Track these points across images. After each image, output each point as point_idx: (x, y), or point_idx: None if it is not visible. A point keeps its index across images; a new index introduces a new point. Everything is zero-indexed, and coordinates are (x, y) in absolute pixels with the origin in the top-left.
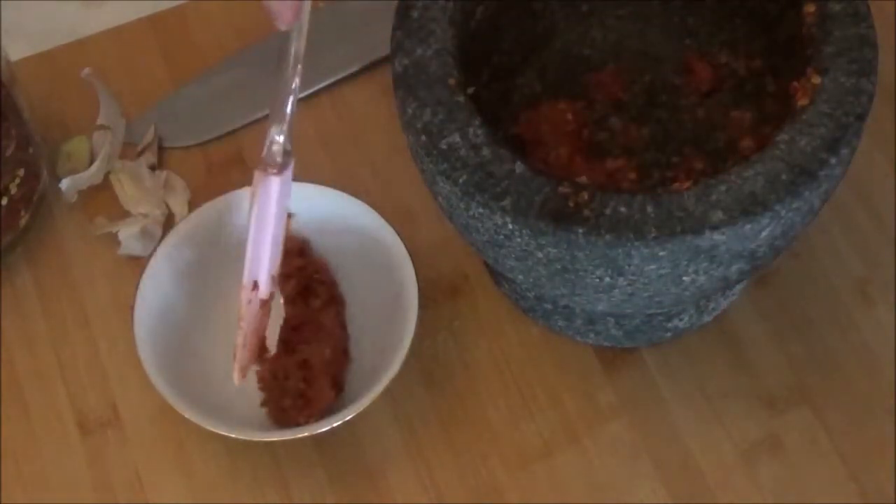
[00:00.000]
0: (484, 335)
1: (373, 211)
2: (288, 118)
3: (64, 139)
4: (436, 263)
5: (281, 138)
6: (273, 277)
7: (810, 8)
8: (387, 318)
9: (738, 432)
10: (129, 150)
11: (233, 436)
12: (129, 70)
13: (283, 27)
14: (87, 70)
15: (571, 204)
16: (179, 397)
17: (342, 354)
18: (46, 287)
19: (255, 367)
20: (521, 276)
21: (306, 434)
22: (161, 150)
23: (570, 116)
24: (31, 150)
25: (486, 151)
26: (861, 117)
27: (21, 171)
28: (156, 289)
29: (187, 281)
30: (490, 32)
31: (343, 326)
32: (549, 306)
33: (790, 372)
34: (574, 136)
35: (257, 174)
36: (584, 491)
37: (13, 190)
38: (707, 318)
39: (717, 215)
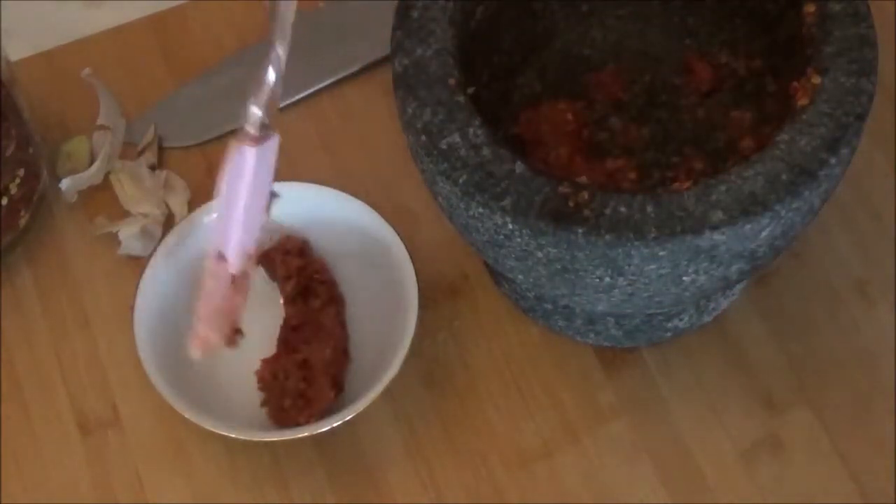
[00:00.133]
0: (484, 335)
1: (373, 211)
2: (266, 88)
3: (64, 139)
4: (436, 263)
5: (257, 109)
6: (249, 255)
7: (810, 8)
8: (387, 318)
9: (738, 432)
10: (129, 150)
11: (233, 436)
12: (129, 70)
13: None
14: (87, 70)
15: (571, 204)
16: (179, 397)
17: (342, 354)
18: (46, 287)
19: (229, 348)
20: (521, 276)
21: (306, 434)
22: (161, 150)
23: (570, 116)
24: (31, 150)
25: (486, 151)
26: (861, 117)
27: (21, 171)
28: (156, 289)
29: (187, 281)
30: (490, 32)
31: (343, 326)
32: (549, 306)
33: (790, 372)
34: (574, 136)
35: (232, 144)
36: (584, 491)
37: (13, 190)
38: (707, 318)
39: (717, 215)
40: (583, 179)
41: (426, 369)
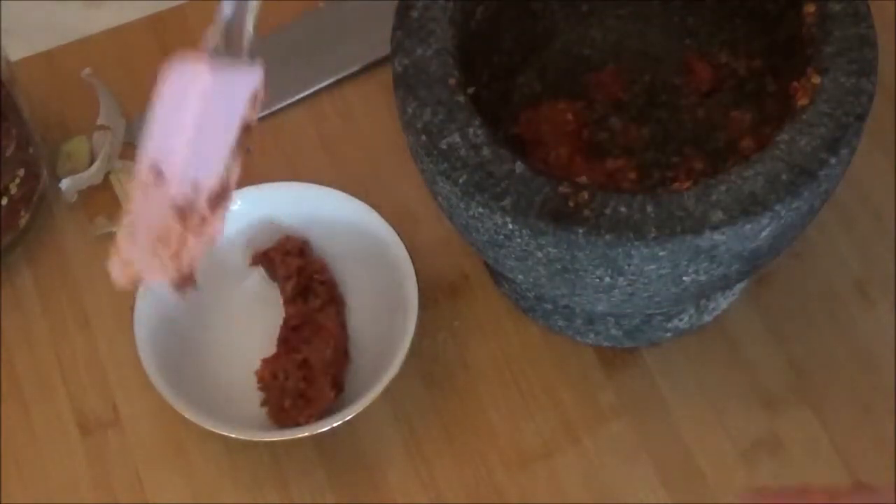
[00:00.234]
0: (484, 335)
1: (373, 211)
2: (229, 12)
3: (64, 139)
4: (436, 263)
5: (214, 32)
6: (205, 191)
7: (810, 8)
8: (387, 319)
9: (738, 432)
10: (129, 150)
11: (233, 436)
12: (129, 70)
13: None
14: (87, 70)
15: (571, 204)
16: (179, 397)
17: (342, 354)
18: (46, 287)
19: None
20: (521, 276)
21: (306, 434)
22: None
23: (570, 116)
24: (31, 150)
25: (486, 151)
26: (861, 117)
27: (21, 171)
28: (156, 289)
29: None
30: (490, 32)
31: (343, 326)
32: (549, 306)
33: (790, 372)
34: (574, 136)
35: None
36: (584, 491)
37: (13, 190)
38: (707, 318)
39: (717, 215)
40: (583, 179)
41: (426, 369)
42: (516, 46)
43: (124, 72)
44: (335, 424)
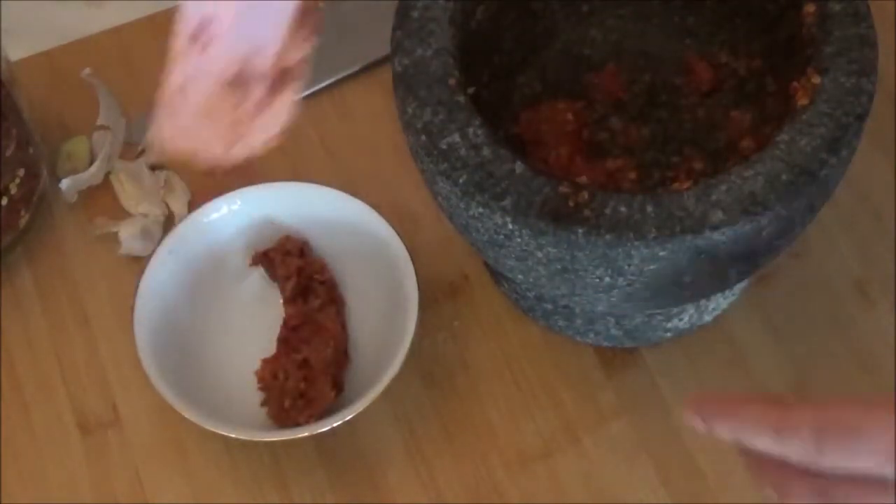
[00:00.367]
0: (484, 335)
1: (373, 211)
2: None
3: (64, 139)
4: (436, 263)
5: None
6: (265, 71)
7: (810, 8)
8: (387, 319)
9: None
10: (129, 150)
11: (233, 436)
12: (129, 70)
13: None
14: (87, 70)
15: (571, 204)
16: (179, 397)
17: (342, 354)
18: (46, 287)
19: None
20: (521, 276)
21: (306, 434)
22: None
23: (570, 116)
24: (31, 150)
25: (486, 151)
26: (861, 117)
27: (21, 171)
28: (156, 289)
29: (187, 281)
30: (490, 32)
31: (343, 326)
32: (549, 306)
33: (790, 372)
34: (574, 136)
35: None
36: (584, 491)
37: (13, 190)
38: (707, 318)
39: (717, 215)
40: (583, 179)
41: (426, 369)
42: (516, 46)
43: (124, 72)
44: (335, 424)
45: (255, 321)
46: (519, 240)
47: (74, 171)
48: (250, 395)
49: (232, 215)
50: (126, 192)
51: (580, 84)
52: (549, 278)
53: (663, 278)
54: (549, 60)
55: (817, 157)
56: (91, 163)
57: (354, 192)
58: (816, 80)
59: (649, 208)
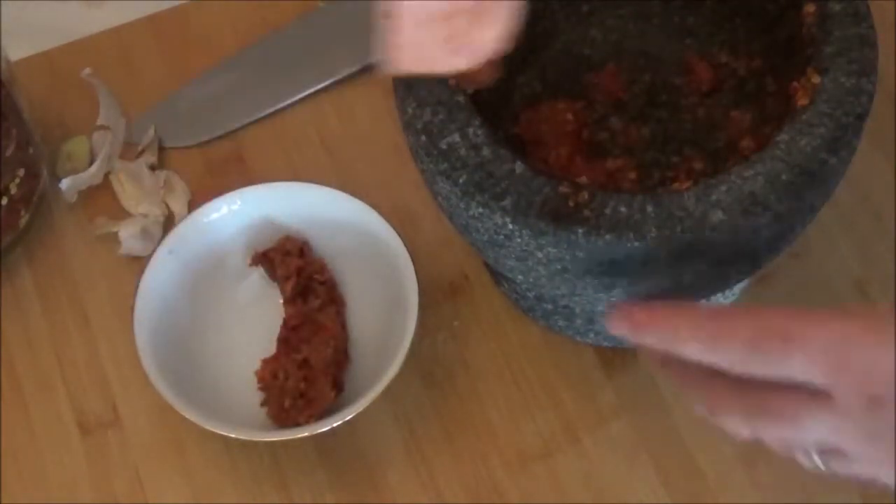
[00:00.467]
0: (484, 335)
1: (373, 211)
2: None
3: (64, 139)
4: (436, 263)
5: None
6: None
7: (810, 8)
8: (387, 318)
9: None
10: (129, 150)
11: (233, 436)
12: (129, 70)
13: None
14: (87, 70)
15: (571, 204)
16: (179, 397)
17: (342, 354)
18: (46, 287)
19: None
20: (521, 276)
21: (306, 434)
22: (161, 150)
23: (570, 116)
24: (31, 150)
25: (486, 151)
26: (861, 117)
27: (21, 171)
28: (156, 289)
29: (187, 281)
30: None
31: (343, 326)
32: (549, 306)
33: None
34: (574, 136)
35: None
36: (584, 491)
37: (13, 190)
38: None
39: (717, 215)
40: (583, 179)
41: (426, 369)
42: (516, 46)
43: (124, 72)
44: (335, 424)
45: (255, 321)
46: (519, 240)
47: (74, 171)
48: (250, 395)
49: (232, 215)
50: (126, 192)
51: (580, 84)
52: (549, 278)
53: (663, 278)
54: (549, 60)
55: (817, 157)
56: (91, 163)
57: (354, 192)
58: (816, 80)
59: (649, 208)
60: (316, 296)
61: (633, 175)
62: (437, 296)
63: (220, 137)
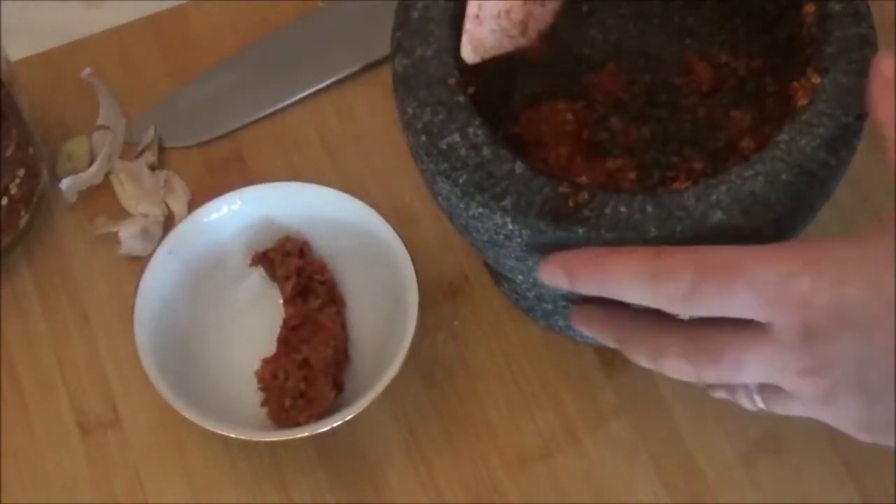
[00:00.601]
0: (484, 335)
1: (373, 211)
2: None
3: (64, 139)
4: (436, 263)
5: None
6: None
7: (810, 8)
8: (387, 318)
9: (738, 432)
10: (129, 150)
11: (233, 436)
12: (129, 70)
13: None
14: (87, 70)
15: (571, 204)
16: (179, 397)
17: (342, 354)
18: (46, 287)
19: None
20: (521, 276)
21: (306, 434)
22: (161, 150)
23: (570, 116)
24: (31, 150)
25: (486, 151)
26: (861, 117)
27: (21, 171)
28: (156, 289)
29: (187, 281)
30: None
31: (343, 326)
32: (549, 306)
33: None
34: (574, 136)
35: None
36: (584, 491)
37: (13, 190)
38: None
39: (717, 215)
40: (583, 179)
41: (426, 369)
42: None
43: (124, 72)
44: (335, 424)
45: (255, 321)
46: (519, 240)
47: (74, 171)
48: (250, 395)
49: (232, 215)
50: (126, 192)
51: (580, 84)
52: None
53: None
54: (550, 60)
55: (817, 156)
56: (91, 163)
57: (354, 192)
58: (816, 80)
59: (649, 208)
60: (316, 296)
61: (633, 175)
62: (437, 296)
63: (220, 137)
